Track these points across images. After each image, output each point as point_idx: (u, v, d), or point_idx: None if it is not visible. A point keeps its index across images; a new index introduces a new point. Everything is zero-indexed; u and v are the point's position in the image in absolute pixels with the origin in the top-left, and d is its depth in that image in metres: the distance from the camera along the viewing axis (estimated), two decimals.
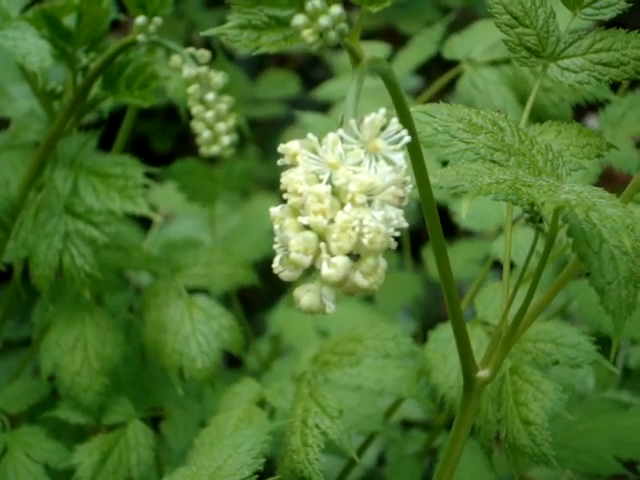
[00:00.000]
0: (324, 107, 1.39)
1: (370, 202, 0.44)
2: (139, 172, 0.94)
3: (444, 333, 0.89)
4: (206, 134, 0.93)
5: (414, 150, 0.56)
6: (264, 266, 1.28)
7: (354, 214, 0.43)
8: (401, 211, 0.44)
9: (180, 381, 0.97)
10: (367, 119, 0.44)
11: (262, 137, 1.78)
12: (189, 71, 0.90)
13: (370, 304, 1.33)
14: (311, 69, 2.00)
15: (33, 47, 0.84)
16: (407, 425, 1.34)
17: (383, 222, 0.43)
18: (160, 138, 1.87)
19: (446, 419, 1.07)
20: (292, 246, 0.43)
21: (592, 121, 1.44)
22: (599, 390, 1.13)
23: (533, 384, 0.75)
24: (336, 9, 0.46)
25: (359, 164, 0.44)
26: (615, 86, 1.02)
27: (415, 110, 0.63)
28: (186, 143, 1.84)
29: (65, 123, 0.93)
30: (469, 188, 0.55)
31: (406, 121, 0.54)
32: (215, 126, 0.93)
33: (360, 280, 0.43)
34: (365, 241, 0.43)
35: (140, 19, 0.88)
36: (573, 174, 0.65)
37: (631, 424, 0.96)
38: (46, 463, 0.91)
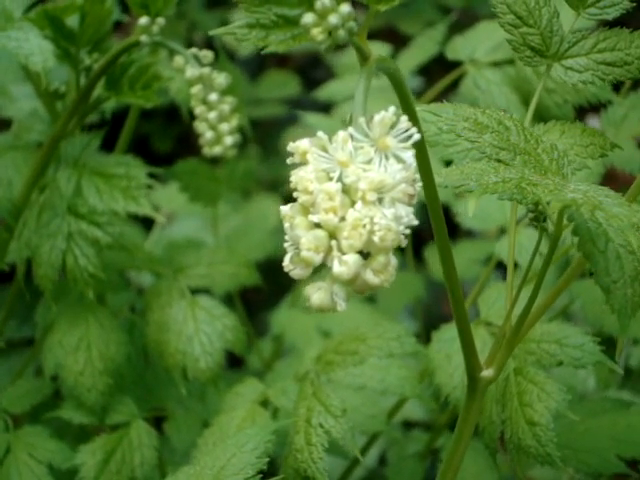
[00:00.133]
0: (325, 107, 1.39)
1: (380, 200, 0.44)
2: (142, 172, 0.94)
3: (448, 333, 0.89)
4: (209, 134, 0.94)
5: (420, 150, 0.56)
6: (266, 266, 1.28)
7: (365, 212, 0.43)
8: (411, 209, 0.44)
9: (183, 381, 0.97)
10: (377, 117, 0.44)
11: (263, 137, 1.78)
12: (192, 72, 0.90)
13: (372, 304, 1.33)
14: (311, 69, 2.01)
15: (36, 47, 0.84)
16: (408, 425, 1.34)
17: (394, 220, 0.43)
18: (161, 139, 1.87)
19: (448, 419, 1.07)
20: (303, 244, 0.43)
21: (593, 122, 1.44)
22: (600, 390, 1.13)
23: (538, 385, 0.75)
24: (345, 7, 0.46)
25: (369, 162, 0.44)
26: (617, 86, 1.02)
27: (421, 109, 0.63)
28: (187, 144, 1.84)
29: (68, 123, 0.93)
30: (475, 187, 0.55)
31: (412, 120, 0.54)
32: (218, 126, 0.93)
33: (371, 278, 0.43)
34: (376, 239, 0.43)
35: (143, 20, 0.88)
36: (577, 174, 0.65)
37: (633, 423, 0.96)
38: (49, 463, 0.91)
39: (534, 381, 0.75)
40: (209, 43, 1.76)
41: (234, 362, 1.35)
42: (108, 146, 1.02)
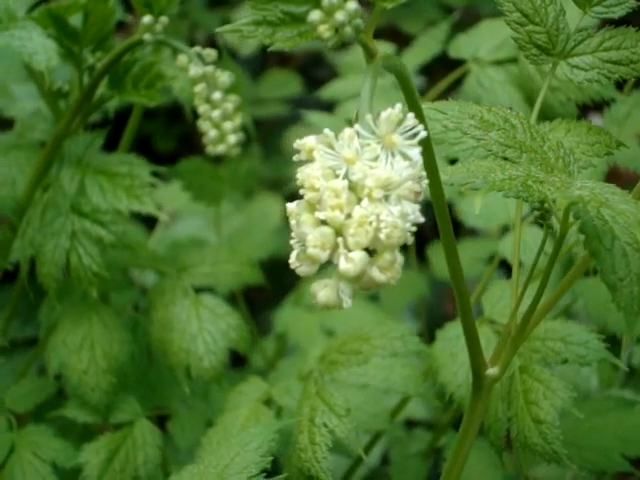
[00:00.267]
0: (327, 107, 1.39)
1: (387, 197, 0.43)
2: (145, 171, 0.94)
3: (452, 332, 0.89)
4: (213, 133, 0.94)
5: (426, 148, 0.56)
6: (269, 265, 1.28)
7: (371, 209, 0.43)
8: (417, 206, 0.44)
9: (187, 380, 0.97)
10: (383, 114, 0.44)
11: (265, 137, 1.78)
12: (195, 70, 0.90)
13: (375, 303, 1.33)
14: (313, 69, 2.00)
15: (40, 47, 0.84)
16: (411, 425, 1.34)
17: (400, 217, 0.43)
18: (163, 138, 1.87)
19: (451, 418, 1.07)
20: (309, 241, 0.43)
21: (596, 120, 1.44)
22: (603, 389, 1.13)
23: (543, 383, 0.75)
24: (352, 4, 0.46)
25: (375, 159, 0.44)
26: (620, 85, 1.02)
27: (427, 107, 0.63)
28: (189, 143, 1.84)
29: (71, 122, 0.93)
30: (481, 185, 0.55)
31: (418, 118, 0.54)
32: (221, 125, 0.93)
33: (377, 275, 0.43)
34: (382, 236, 0.43)
35: (146, 18, 0.88)
36: (582, 172, 0.65)
37: (637, 422, 0.96)
38: (53, 462, 0.91)
39: (539, 379, 0.75)
40: (211, 43, 1.76)
41: (237, 362, 1.35)
42: (110, 146, 1.02)
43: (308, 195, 0.44)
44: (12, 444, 0.92)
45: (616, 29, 0.70)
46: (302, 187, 0.44)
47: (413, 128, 0.45)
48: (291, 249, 0.45)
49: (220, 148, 0.95)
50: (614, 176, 1.08)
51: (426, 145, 0.56)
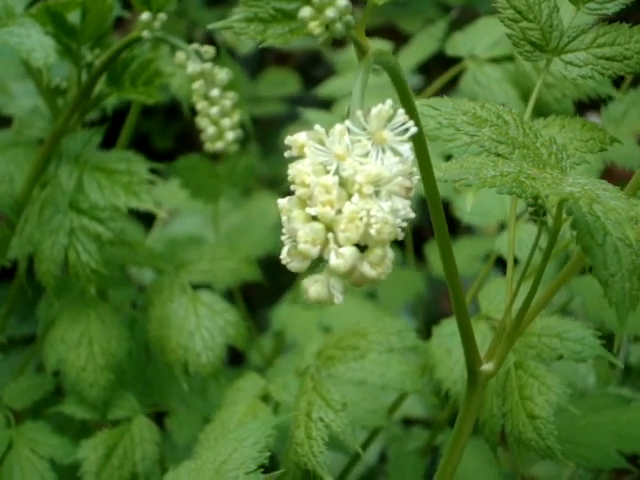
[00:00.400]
0: (325, 105, 1.39)
1: (377, 193, 0.44)
2: (143, 168, 0.94)
3: (448, 328, 0.90)
4: (211, 130, 0.94)
5: (419, 144, 0.56)
6: (267, 263, 1.28)
7: (361, 205, 0.43)
8: (408, 202, 0.44)
9: (184, 376, 0.97)
10: (374, 110, 0.44)
11: (263, 135, 1.78)
12: (194, 67, 0.91)
13: (373, 301, 1.33)
14: (311, 67, 2.01)
15: (38, 43, 0.84)
16: (408, 423, 1.34)
17: (390, 213, 0.43)
18: (161, 136, 1.87)
19: (448, 416, 1.07)
20: (300, 237, 0.44)
21: (593, 118, 1.44)
22: (600, 387, 1.14)
23: (538, 378, 0.75)
24: (342, 1, 0.46)
25: (366, 155, 0.44)
26: (617, 83, 1.02)
27: (420, 104, 0.63)
28: (187, 141, 1.85)
29: (69, 120, 0.93)
30: (473, 181, 0.55)
31: (411, 115, 0.54)
32: (220, 122, 0.93)
33: (368, 270, 0.44)
34: (373, 231, 0.43)
35: (145, 15, 0.88)
36: (576, 168, 0.65)
37: (633, 418, 0.96)
38: (51, 458, 0.91)
39: (535, 375, 0.75)
40: (209, 41, 1.76)
41: (235, 359, 1.35)
42: (108, 143, 1.02)
43: (299, 191, 0.44)
44: (10, 441, 0.92)
45: (610, 25, 0.70)
46: (293, 183, 0.45)
47: (404, 124, 0.45)
48: None
49: (218, 145, 0.95)
50: (609, 174, 1.08)
51: (420, 142, 0.56)
